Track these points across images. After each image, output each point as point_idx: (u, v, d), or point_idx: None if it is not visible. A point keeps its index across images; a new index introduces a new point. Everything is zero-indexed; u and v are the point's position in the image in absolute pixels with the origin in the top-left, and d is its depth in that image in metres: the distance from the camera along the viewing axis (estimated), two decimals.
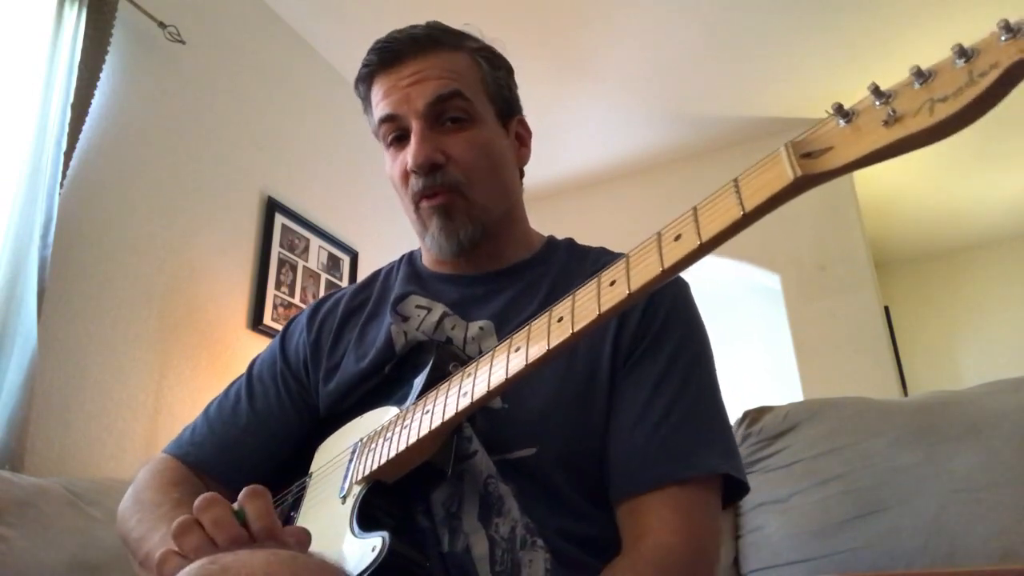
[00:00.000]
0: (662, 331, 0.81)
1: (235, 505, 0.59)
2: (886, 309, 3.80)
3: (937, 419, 1.21)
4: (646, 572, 0.68)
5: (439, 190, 0.83)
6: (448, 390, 0.69)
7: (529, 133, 0.98)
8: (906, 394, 3.77)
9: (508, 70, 0.95)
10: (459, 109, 0.84)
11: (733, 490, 0.79)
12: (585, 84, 3.22)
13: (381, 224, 3.04)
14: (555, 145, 3.54)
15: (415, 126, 0.83)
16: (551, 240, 0.97)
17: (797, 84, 3.27)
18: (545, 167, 3.64)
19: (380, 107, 0.86)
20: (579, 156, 3.73)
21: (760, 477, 1.30)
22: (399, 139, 0.86)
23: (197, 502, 0.59)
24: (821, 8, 2.83)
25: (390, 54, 0.86)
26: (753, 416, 1.40)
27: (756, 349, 3.90)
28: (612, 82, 3.22)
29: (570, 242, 0.97)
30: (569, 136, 3.56)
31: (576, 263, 0.91)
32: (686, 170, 3.78)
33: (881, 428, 1.25)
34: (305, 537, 0.59)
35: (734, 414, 0.90)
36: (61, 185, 1.73)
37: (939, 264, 4.91)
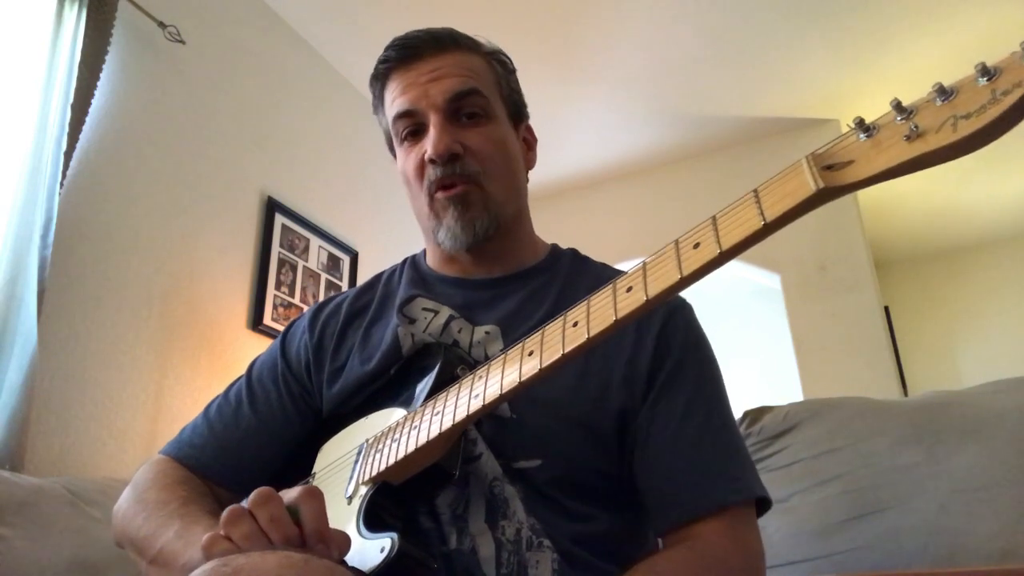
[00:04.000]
0: (683, 359, 0.82)
1: (287, 502, 0.60)
2: (886, 309, 3.80)
3: (937, 419, 1.21)
4: (699, 565, 0.69)
5: (457, 180, 0.84)
6: (459, 392, 0.68)
7: (535, 140, 0.99)
8: (906, 394, 3.77)
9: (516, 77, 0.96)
10: (476, 106, 0.86)
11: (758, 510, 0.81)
12: (585, 84, 3.22)
13: (381, 224, 3.04)
14: (555, 145, 3.54)
15: (434, 119, 0.84)
16: (555, 248, 0.98)
17: (796, 84, 3.27)
18: (545, 167, 3.63)
19: (397, 103, 0.87)
20: (579, 156, 3.73)
21: (760, 477, 1.30)
22: (414, 134, 0.87)
23: (253, 496, 0.59)
24: (820, 9, 2.83)
25: (408, 50, 0.87)
26: (753, 416, 1.40)
27: (756, 349, 3.90)
28: (612, 82, 3.22)
29: (574, 252, 0.98)
30: (569, 136, 3.56)
31: (581, 274, 0.92)
32: (685, 170, 3.78)
33: (881, 428, 1.25)
34: (346, 542, 0.60)
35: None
36: (61, 185, 1.72)
37: (939, 264, 4.91)
